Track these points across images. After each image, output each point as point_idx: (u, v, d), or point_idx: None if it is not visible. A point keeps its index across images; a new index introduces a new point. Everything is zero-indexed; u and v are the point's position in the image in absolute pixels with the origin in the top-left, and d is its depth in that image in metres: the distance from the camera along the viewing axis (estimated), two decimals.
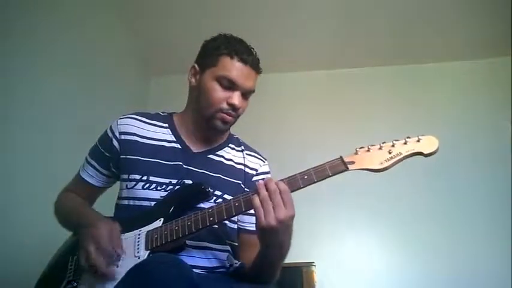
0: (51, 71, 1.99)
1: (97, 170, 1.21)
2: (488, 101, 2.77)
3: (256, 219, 0.92)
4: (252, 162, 1.23)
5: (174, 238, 0.98)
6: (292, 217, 0.92)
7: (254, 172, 1.21)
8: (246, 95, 1.13)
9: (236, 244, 1.18)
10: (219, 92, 1.10)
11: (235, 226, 1.18)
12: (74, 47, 2.18)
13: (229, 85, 1.10)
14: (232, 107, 1.10)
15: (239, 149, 1.25)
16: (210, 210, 0.99)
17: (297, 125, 2.95)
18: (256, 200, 0.92)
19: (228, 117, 1.11)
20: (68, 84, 2.12)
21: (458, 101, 2.84)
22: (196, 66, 1.17)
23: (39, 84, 1.91)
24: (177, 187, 1.11)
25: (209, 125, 1.13)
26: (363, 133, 2.69)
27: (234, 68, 1.09)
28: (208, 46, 1.16)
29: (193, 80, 1.17)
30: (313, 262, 2.26)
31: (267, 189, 0.92)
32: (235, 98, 1.10)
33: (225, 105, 1.10)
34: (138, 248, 0.99)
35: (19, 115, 1.79)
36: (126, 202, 1.12)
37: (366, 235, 2.66)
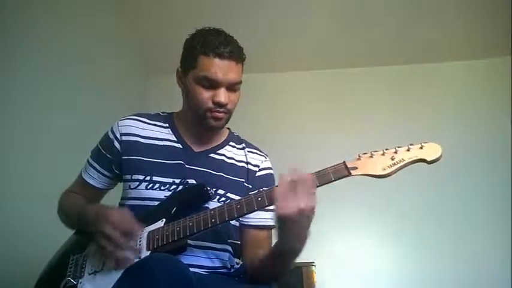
0: (50, 70, 1.99)
1: (99, 171, 1.21)
2: (489, 100, 2.77)
3: (276, 207, 0.91)
4: (254, 158, 1.23)
5: (176, 239, 0.98)
6: (313, 208, 0.91)
7: (257, 168, 1.22)
8: (232, 88, 1.12)
9: (238, 243, 1.18)
10: (203, 93, 1.10)
11: (238, 224, 1.17)
12: (74, 47, 2.18)
13: (211, 84, 1.09)
14: (219, 104, 1.10)
15: (240, 146, 1.25)
16: (212, 212, 0.99)
17: (297, 125, 2.95)
18: (277, 189, 0.92)
19: (218, 114, 1.11)
20: (68, 84, 2.12)
21: (458, 101, 2.84)
22: (179, 69, 1.17)
23: (38, 84, 1.91)
24: (180, 187, 1.11)
25: (204, 125, 1.14)
26: (363, 133, 2.70)
27: (212, 66, 1.08)
28: (186, 47, 1.15)
29: (180, 82, 1.18)
30: (313, 262, 2.26)
31: (291, 179, 0.91)
32: (220, 95, 1.09)
33: (211, 105, 1.10)
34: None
35: (19, 115, 1.78)
36: (129, 202, 1.12)
37: (366, 235, 2.66)
